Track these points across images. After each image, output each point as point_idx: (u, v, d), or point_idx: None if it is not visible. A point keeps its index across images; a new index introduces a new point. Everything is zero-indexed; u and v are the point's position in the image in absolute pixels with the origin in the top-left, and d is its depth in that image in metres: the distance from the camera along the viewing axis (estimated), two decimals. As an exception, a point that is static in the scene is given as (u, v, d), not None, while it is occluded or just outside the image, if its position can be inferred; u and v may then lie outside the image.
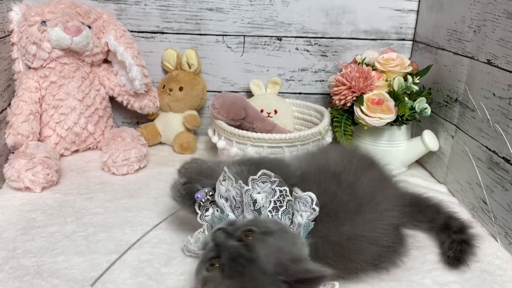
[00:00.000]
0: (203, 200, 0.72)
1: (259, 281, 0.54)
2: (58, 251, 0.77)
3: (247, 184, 0.68)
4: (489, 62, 0.91)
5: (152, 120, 1.29)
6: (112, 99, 1.25)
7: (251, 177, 0.68)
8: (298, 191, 0.67)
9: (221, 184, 0.71)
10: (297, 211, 0.66)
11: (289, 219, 0.67)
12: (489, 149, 0.89)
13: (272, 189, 0.68)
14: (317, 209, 0.65)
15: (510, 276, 0.75)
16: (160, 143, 1.29)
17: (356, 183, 0.73)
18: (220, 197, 0.71)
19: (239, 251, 0.55)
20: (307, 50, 1.29)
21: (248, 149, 1.02)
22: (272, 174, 0.68)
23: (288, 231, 0.64)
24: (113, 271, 0.72)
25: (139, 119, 1.33)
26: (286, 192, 0.67)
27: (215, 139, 1.09)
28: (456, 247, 0.76)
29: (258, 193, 0.68)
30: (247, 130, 1.06)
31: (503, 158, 0.85)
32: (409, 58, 1.20)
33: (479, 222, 0.91)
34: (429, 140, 1.09)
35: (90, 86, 1.18)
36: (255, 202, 0.67)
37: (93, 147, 1.22)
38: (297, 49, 1.28)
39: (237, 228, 0.60)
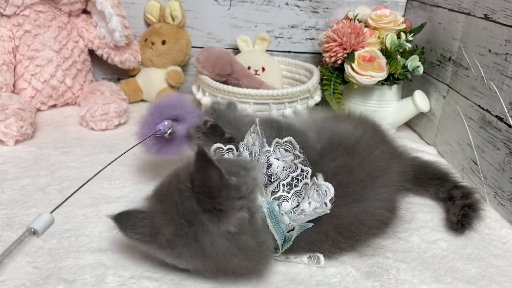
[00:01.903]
0: (165, 132, 0.69)
1: (169, 184, 0.55)
2: (31, 203, 0.73)
3: (269, 145, 0.62)
4: (486, 17, 0.87)
5: (134, 75, 1.24)
6: (91, 53, 1.19)
7: (276, 139, 0.62)
8: (319, 178, 0.60)
9: (250, 135, 0.65)
10: (308, 197, 0.59)
11: (297, 202, 0.60)
12: (482, 108, 0.87)
13: (293, 163, 0.61)
14: (330, 205, 0.58)
15: (498, 235, 0.74)
16: (142, 100, 1.24)
17: (370, 158, 0.68)
18: (246, 148, 0.65)
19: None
20: (298, 6, 1.23)
21: (233, 106, 0.98)
22: (298, 146, 0.61)
23: (239, 160, 0.61)
24: (88, 224, 0.69)
25: (120, 74, 1.27)
26: (307, 173, 0.61)
27: (199, 95, 1.05)
28: (459, 212, 0.74)
29: (277, 158, 0.61)
30: (233, 86, 1.02)
31: (496, 116, 0.82)
32: (403, 16, 1.15)
33: (468, 183, 0.89)
34: (420, 100, 1.06)
35: (67, 37, 1.11)
36: (269, 166, 0.61)
37: (72, 102, 1.16)
38: (287, 4, 1.23)
39: None
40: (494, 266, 0.66)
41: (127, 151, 0.68)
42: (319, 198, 0.58)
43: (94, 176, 0.59)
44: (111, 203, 0.75)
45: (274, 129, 0.66)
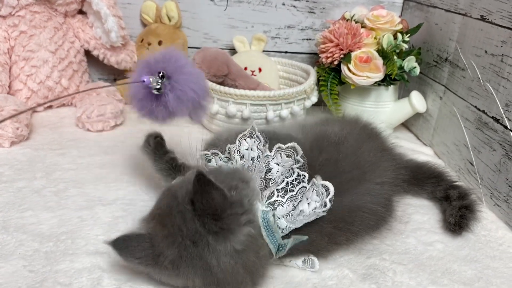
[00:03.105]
0: (152, 85, 0.62)
1: (168, 206, 0.54)
2: (26, 206, 0.73)
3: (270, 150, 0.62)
4: (482, 18, 0.87)
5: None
6: (87, 53, 1.19)
7: (278, 144, 0.62)
8: (318, 179, 0.60)
9: (245, 140, 0.64)
10: (306, 198, 0.59)
11: (293, 205, 0.59)
12: (478, 109, 0.87)
13: (291, 168, 0.61)
14: (329, 205, 0.58)
15: (494, 236, 0.74)
16: (139, 100, 1.24)
17: (357, 152, 0.68)
18: (237, 152, 0.64)
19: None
20: (294, 6, 1.23)
21: (230, 107, 0.98)
22: (301, 152, 0.61)
23: (236, 172, 0.60)
24: (84, 227, 0.69)
25: (116, 75, 1.27)
26: (304, 177, 0.61)
27: (195, 96, 1.05)
28: (456, 213, 0.74)
29: (277, 164, 0.61)
30: (229, 87, 1.01)
31: (492, 117, 0.82)
32: (399, 17, 1.15)
33: (464, 184, 0.89)
34: (417, 101, 1.06)
35: (63, 38, 1.11)
36: (269, 170, 0.61)
37: (68, 103, 1.16)
38: (283, 4, 1.23)
39: None
40: (491, 268, 0.66)
41: (102, 87, 0.72)
42: (318, 198, 0.58)
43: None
44: (107, 205, 0.75)
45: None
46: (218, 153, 0.66)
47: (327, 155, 0.66)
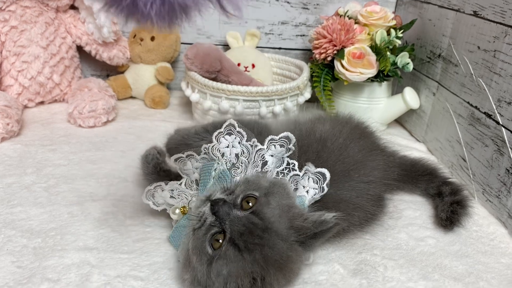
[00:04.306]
0: None
1: (277, 247, 0.51)
2: (15, 202, 0.72)
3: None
4: (475, 14, 0.87)
5: (122, 72, 1.22)
6: (80, 49, 1.18)
7: (270, 136, 0.62)
8: (311, 167, 0.62)
9: (223, 137, 0.63)
10: (303, 187, 0.61)
11: None
12: (471, 105, 0.87)
13: (282, 157, 0.62)
14: (326, 189, 0.60)
15: (486, 231, 0.74)
16: (131, 97, 1.23)
17: (344, 150, 0.69)
18: (217, 150, 0.63)
19: (252, 222, 0.51)
20: (288, 2, 1.22)
21: (222, 103, 0.97)
22: (294, 140, 0.62)
23: (277, 182, 0.59)
24: (74, 223, 0.68)
25: (109, 71, 1.26)
26: (293, 166, 0.62)
27: (188, 92, 1.04)
28: (448, 209, 0.73)
29: (271, 155, 0.62)
30: (222, 83, 1.01)
31: (484, 113, 0.82)
32: (393, 13, 1.15)
33: (457, 179, 0.89)
34: (410, 97, 1.06)
35: (55, 33, 1.10)
36: (264, 163, 0.61)
37: (60, 99, 1.15)
38: (277, 0, 1.22)
39: (236, 196, 0.55)
40: (481, 263, 0.66)
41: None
42: (316, 185, 0.60)
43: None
44: (98, 201, 0.74)
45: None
46: (193, 155, 0.65)
47: (307, 146, 0.67)
